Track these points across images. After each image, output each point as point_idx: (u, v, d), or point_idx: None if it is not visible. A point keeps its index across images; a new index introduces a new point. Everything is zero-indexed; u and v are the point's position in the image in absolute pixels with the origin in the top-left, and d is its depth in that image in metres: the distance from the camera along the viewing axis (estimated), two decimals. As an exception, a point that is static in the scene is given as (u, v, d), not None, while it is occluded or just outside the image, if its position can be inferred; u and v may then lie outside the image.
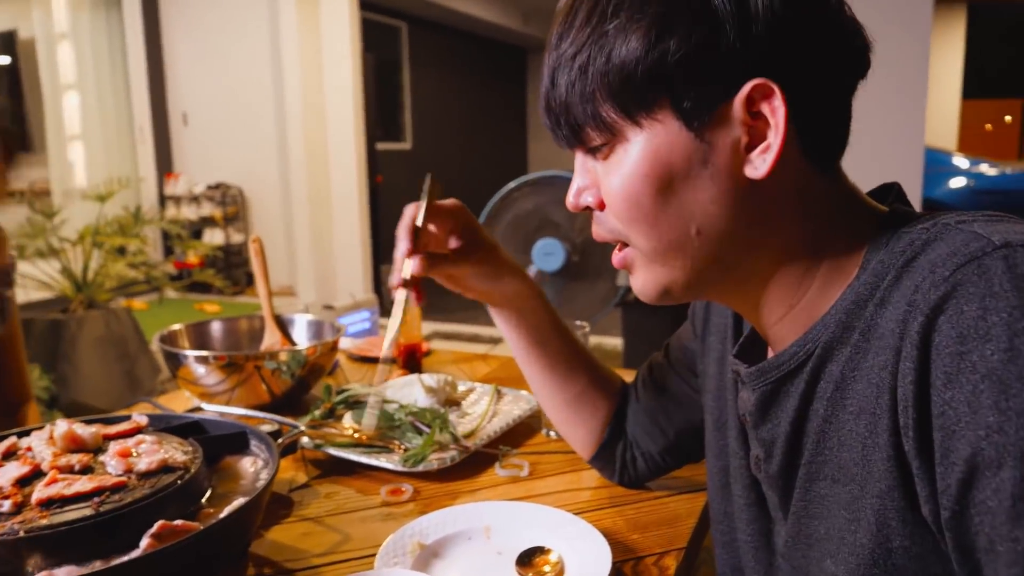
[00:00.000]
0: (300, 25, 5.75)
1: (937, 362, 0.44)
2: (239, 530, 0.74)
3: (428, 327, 5.32)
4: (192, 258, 5.93)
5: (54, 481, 0.71)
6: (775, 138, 0.51)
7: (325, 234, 6.13)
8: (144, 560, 0.63)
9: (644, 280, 0.59)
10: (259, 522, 0.81)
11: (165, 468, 0.75)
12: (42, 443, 0.79)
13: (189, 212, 6.28)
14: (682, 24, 0.50)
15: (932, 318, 0.44)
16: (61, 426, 0.80)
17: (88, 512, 0.66)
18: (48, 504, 0.68)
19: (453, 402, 1.20)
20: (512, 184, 2.98)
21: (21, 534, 0.63)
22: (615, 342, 4.08)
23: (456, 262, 0.82)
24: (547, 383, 0.92)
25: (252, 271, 1.32)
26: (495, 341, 4.98)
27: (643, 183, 0.54)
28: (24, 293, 3.75)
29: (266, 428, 0.98)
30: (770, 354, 0.64)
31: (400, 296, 0.77)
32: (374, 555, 0.76)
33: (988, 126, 8.97)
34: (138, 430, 0.86)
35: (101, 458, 0.77)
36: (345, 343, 1.61)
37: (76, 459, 0.76)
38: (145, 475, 0.74)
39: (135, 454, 0.77)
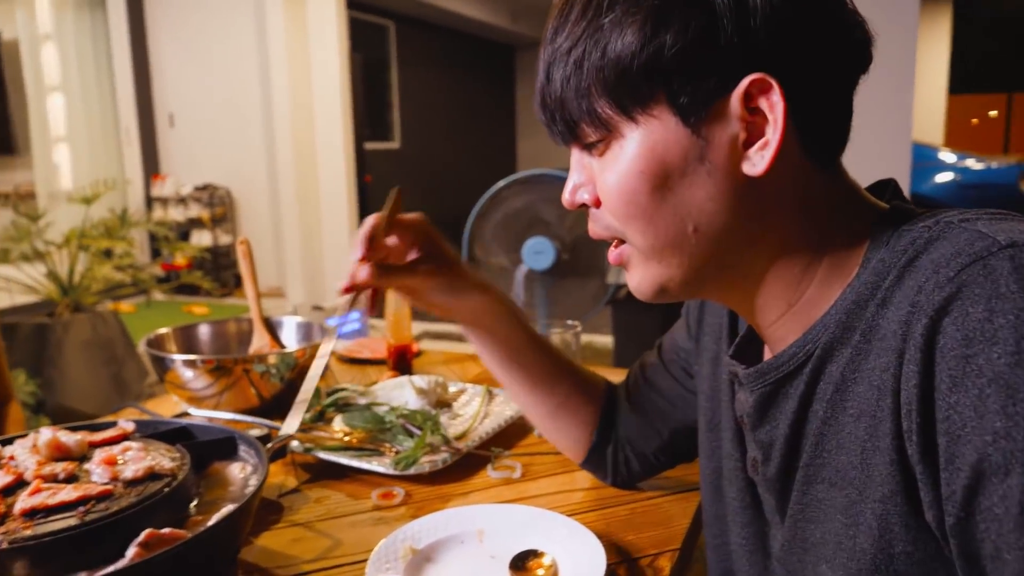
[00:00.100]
0: (287, 24, 5.72)
1: (942, 365, 0.43)
2: (228, 537, 0.73)
3: (418, 327, 5.30)
4: (179, 260, 5.88)
5: (38, 491, 0.69)
6: (773, 134, 0.50)
7: (314, 235, 6.11)
8: (131, 570, 0.61)
9: (641, 278, 0.58)
10: (249, 529, 0.80)
11: (152, 475, 0.73)
12: (25, 451, 0.78)
13: (176, 214, 6.24)
14: (678, 17, 0.49)
15: (936, 320, 0.44)
16: (45, 434, 0.79)
17: (73, 522, 0.65)
18: (32, 514, 0.66)
19: (444, 403, 1.19)
20: (502, 183, 2.98)
21: (4, 545, 0.62)
22: (605, 340, 4.08)
23: (412, 274, 0.80)
24: (527, 396, 0.90)
25: (240, 273, 1.31)
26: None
27: (639, 180, 0.53)
28: (9, 297, 3.72)
29: (255, 432, 0.97)
30: (767, 354, 0.63)
31: (345, 300, 0.77)
32: (365, 560, 0.75)
33: (974, 120, 9.02)
34: (124, 437, 0.85)
35: (86, 466, 0.76)
36: (335, 345, 1.60)
37: (61, 467, 0.75)
38: (131, 483, 0.72)
39: (121, 461, 0.75)
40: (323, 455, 1.00)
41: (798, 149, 0.52)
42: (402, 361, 1.43)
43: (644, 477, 0.93)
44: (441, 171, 8.99)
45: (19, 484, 0.72)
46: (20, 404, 1.38)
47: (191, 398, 1.17)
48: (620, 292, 3.56)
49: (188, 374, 1.14)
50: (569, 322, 1.14)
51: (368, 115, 7.30)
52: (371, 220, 0.78)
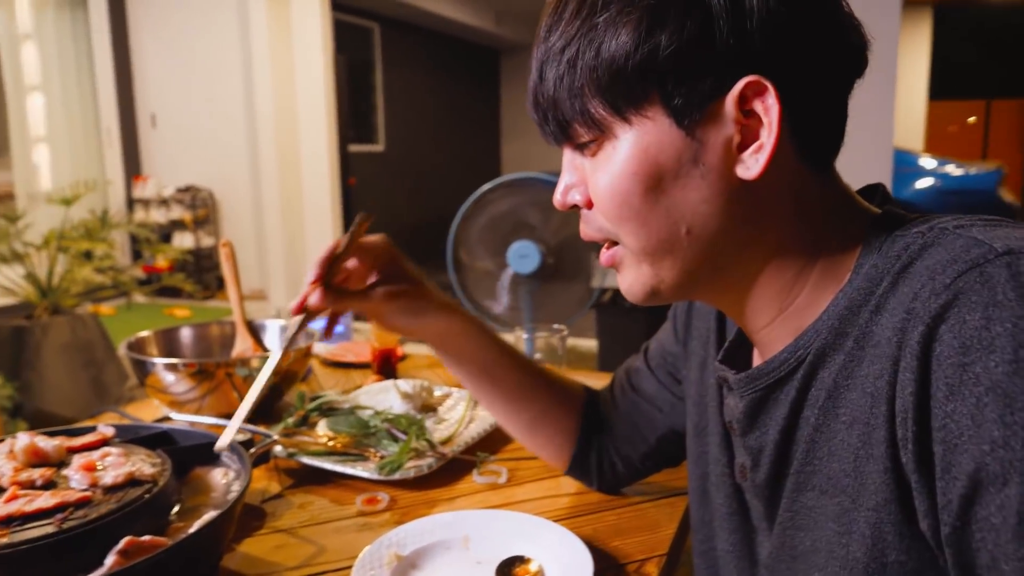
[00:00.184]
0: (271, 25, 5.69)
1: (938, 373, 0.43)
2: (210, 544, 0.72)
3: (403, 330, 5.28)
4: (161, 262, 5.84)
5: (14, 497, 0.68)
6: (768, 137, 0.49)
7: (297, 237, 6.07)
8: (110, 579, 0.60)
9: (632, 280, 0.58)
10: (231, 535, 0.78)
11: (132, 481, 0.72)
12: (2, 457, 0.76)
13: (158, 215, 6.18)
14: (674, 18, 0.49)
15: (933, 327, 0.43)
16: (22, 439, 0.78)
17: (51, 529, 0.64)
18: (8, 522, 0.65)
19: (429, 408, 1.18)
20: (487, 186, 2.97)
21: (-21, 554, 0.61)
22: (590, 344, 4.08)
23: (369, 298, 0.79)
24: (503, 410, 0.90)
25: (223, 275, 1.29)
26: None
27: (632, 181, 0.52)
28: (-13, 299, 3.66)
29: (238, 437, 0.95)
30: (756, 359, 0.63)
31: (295, 321, 0.77)
32: (350, 567, 0.74)
33: (953, 127, 9.13)
34: (104, 442, 0.83)
35: (64, 472, 0.75)
36: (319, 348, 1.59)
37: (38, 474, 0.73)
38: (111, 489, 0.71)
39: (100, 467, 0.74)
40: (307, 460, 0.99)
41: (792, 153, 0.52)
42: (387, 365, 1.42)
43: (630, 482, 0.92)
44: (426, 174, 8.97)
45: (-5, 491, 0.71)
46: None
47: (172, 402, 1.15)
48: (605, 296, 3.57)
49: (169, 378, 1.13)
50: (556, 326, 1.14)
51: (352, 117, 7.27)
52: (329, 244, 0.78)
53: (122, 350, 1.22)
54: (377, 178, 8.03)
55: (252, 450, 0.85)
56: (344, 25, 7.27)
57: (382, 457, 0.99)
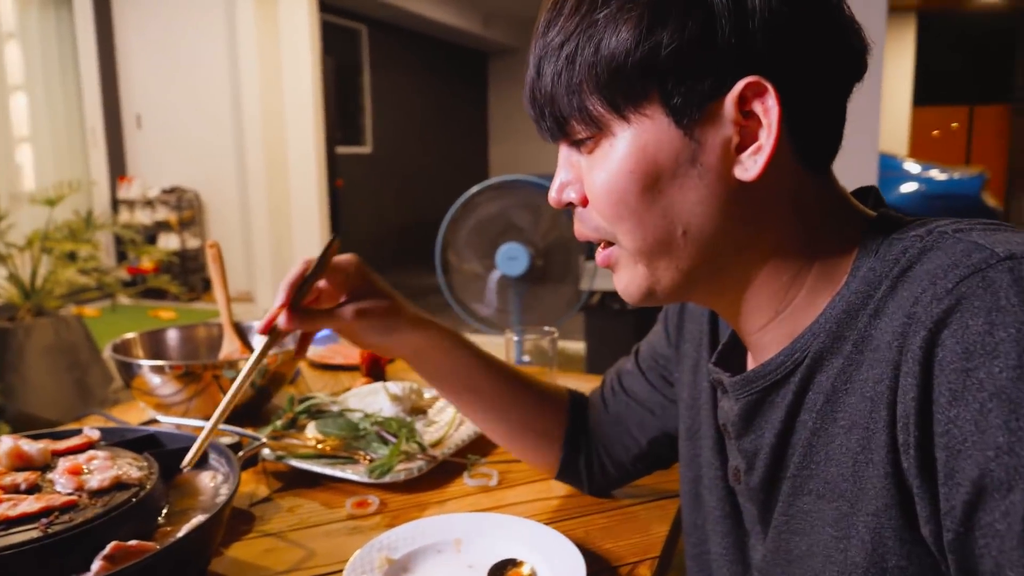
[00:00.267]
0: (258, 26, 5.67)
1: (941, 378, 0.42)
2: (198, 549, 0.71)
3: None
4: (146, 264, 5.79)
5: (-2, 501, 0.67)
6: (767, 139, 0.49)
7: (284, 239, 6.05)
8: (96, 584, 0.59)
9: (628, 280, 0.57)
10: (219, 539, 0.78)
11: (119, 485, 0.71)
12: (-15, 461, 0.75)
13: (143, 216, 6.13)
14: (676, 16, 0.48)
15: (935, 332, 0.43)
16: (6, 442, 0.76)
17: (36, 534, 0.63)
18: (-8, 526, 0.64)
19: (419, 410, 1.18)
20: (475, 188, 2.97)
21: (-38, 559, 0.60)
22: (578, 347, 4.08)
23: (338, 318, 0.78)
24: (485, 421, 0.89)
25: (209, 277, 1.28)
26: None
27: (628, 180, 0.52)
28: (-31, 301, 3.61)
29: (226, 440, 0.95)
30: (750, 361, 0.62)
31: (259, 341, 0.77)
32: (340, 571, 0.74)
33: (936, 132, 9.21)
34: (89, 445, 0.82)
35: (49, 476, 0.74)
36: (308, 351, 1.57)
37: (22, 477, 0.72)
38: (97, 493, 0.70)
39: (86, 471, 0.73)
40: (295, 463, 0.98)
41: (791, 155, 0.52)
42: (376, 367, 1.41)
43: (621, 484, 0.92)
44: (414, 176, 8.96)
45: (-22, 495, 0.70)
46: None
47: (159, 405, 1.14)
48: (593, 298, 3.57)
49: (156, 380, 1.11)
50: (547, 328, 1.13)
51: (340, 119, 7.25)
52: (299, 265, 0.77)
53: (107, 352, 1.21)
54: (365, 180, 8.01)
55: (241, 453, 0.84)
56: (332, 27, 7.25)
57: (372, 460, 0.98)
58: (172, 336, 1.32)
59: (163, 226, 6.13)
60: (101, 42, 6.18)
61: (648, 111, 0.51)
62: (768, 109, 0.49)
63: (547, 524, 0.80)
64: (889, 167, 6.33)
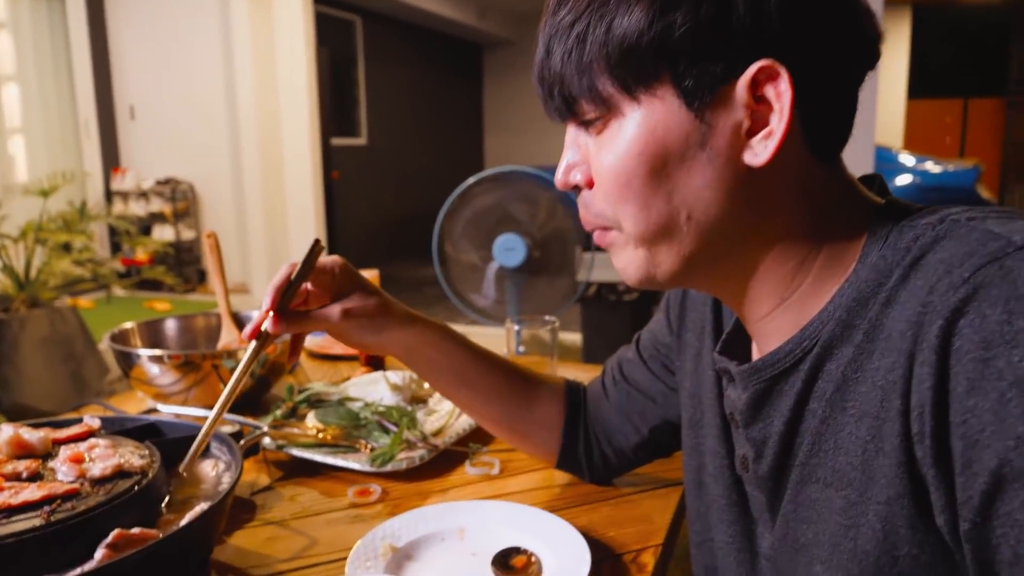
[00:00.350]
0: (252, 17, 5.63)
1: (957, 368, 0.42)
2: (201, 537, 0.71)
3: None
4: (141, 255, 5.76)
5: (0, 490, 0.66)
6: (778, 124, 0.49)
7: (279, 230, 6.02)
8: (100, 572, 0.59)
9: (627, 262, 0.57)
10: (222, 528, 0.77)
11: (120, 473, 0.71)
12: (-14, 449, 0.74)
13: (137, 208, 6.10)
14: None
15: (952, 321, 0.42)
16: (6, 430, 0.76)
17: (38, 522, 0.62)
18: (-7, 514, 0.64)
19: (419, 399, 1.17)
20: (471, 180, 2.96)
21: (-36, 547, 0.59)
22: (575, 337, 4.08)
23: (325, 320, 0.78)
24: (482, 414, 0.89)
25: (204, 268, 1.28)
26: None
27: (636, 162, 0.51)
28: (-38, 292, 3.59)
29: (226, 429, 0.94)
30: (755, 349, 0.62)
31: (249, 348, 0.76)
32: (343, 559, 0.73)
33: (931, 125, 9.22)
34: (90, 433, 0.82)
35: (51, 464, 0.73)
36: (306, 340, 1.57)
37: (24, 465, 0.72)
38: (99, 481, 0.69)
39: (88, 459, 0.73)
40: (297, 452, 0.98)
41: (801, 141, 0.51)
42: (375, 356, 1.41)
43: (621, 472, 0.92)
44: (409, 167, 8.93)
45: (-21, 483, 0.69)
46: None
47: (158, 394, 1.13)
48: (590, 289, 3.57)
49: (155, 370, 1.11)
50: (547, 318, 1.13)
51: (335, 111, 7.21)
52: (284, 269, 0.77)
53: (104, 343, 1.20)
54: (360, 171, 7.98)
55: (242, 442, 0.84)
56: (326, 18, 7.21)
57: (373, 449, 0.98)
58: (170, 326, 1.32)
59: (158, 217, 6.10)
60: (93, 32, 6.13)
61: (659, 92, 0.50)
62: (780, 93, 0.48)
63: (550, 512, 0.80)
64: (885, 159, 6.33)
